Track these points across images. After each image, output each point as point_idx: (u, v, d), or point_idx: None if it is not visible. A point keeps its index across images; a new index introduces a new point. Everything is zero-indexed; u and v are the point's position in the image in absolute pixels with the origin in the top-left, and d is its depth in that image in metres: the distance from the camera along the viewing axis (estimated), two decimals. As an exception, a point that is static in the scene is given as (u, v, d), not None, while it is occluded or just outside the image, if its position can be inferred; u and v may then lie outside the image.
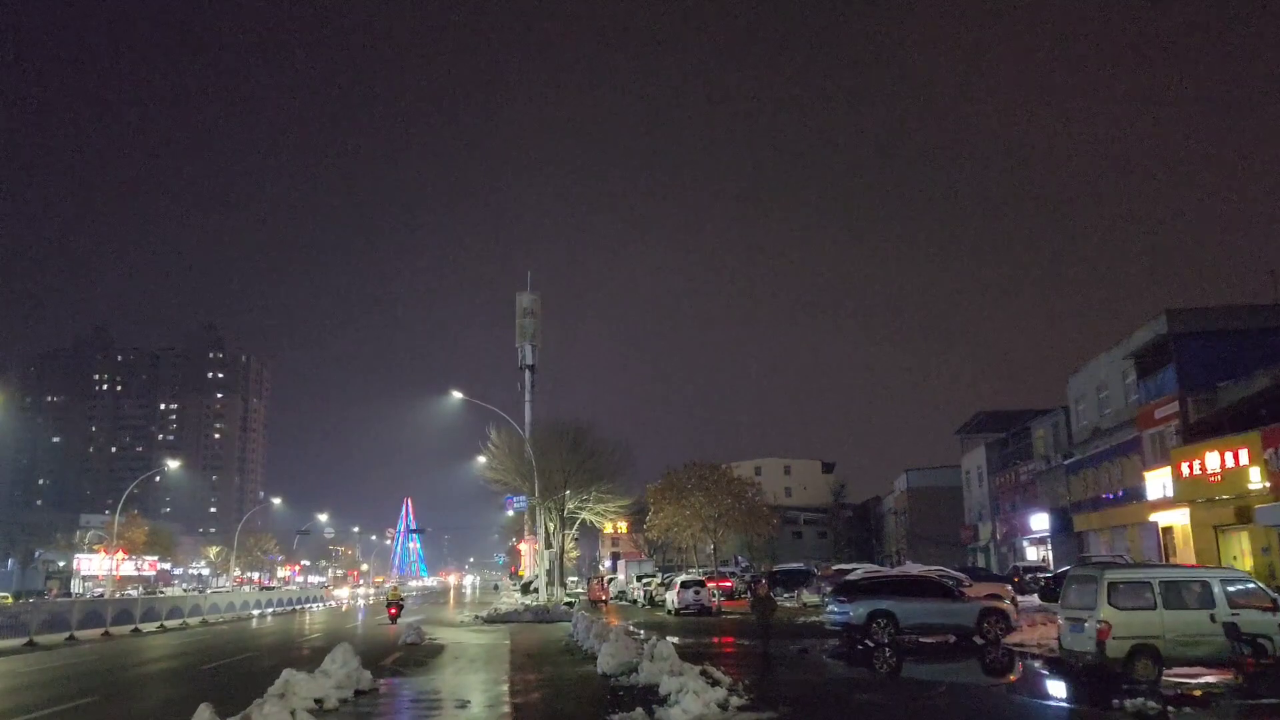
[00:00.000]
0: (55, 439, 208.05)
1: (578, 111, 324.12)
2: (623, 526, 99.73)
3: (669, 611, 38.24)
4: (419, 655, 20.18)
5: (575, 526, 41.71)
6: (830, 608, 21.79)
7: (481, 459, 47.14)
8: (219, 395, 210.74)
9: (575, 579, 66.96)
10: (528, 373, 47.80)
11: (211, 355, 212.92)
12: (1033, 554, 49.68)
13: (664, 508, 48.33)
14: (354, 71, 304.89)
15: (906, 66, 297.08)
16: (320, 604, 59.64)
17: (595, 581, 56.57)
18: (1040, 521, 47.74)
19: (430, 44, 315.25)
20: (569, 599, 39.56)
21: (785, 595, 46.34)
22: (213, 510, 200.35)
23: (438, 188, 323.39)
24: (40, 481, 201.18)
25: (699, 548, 52.12)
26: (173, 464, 72.78)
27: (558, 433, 40.80)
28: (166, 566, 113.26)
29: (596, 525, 42.15)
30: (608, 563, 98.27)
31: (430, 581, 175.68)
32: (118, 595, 47.66)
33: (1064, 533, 45.09)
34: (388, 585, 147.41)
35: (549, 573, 41.51)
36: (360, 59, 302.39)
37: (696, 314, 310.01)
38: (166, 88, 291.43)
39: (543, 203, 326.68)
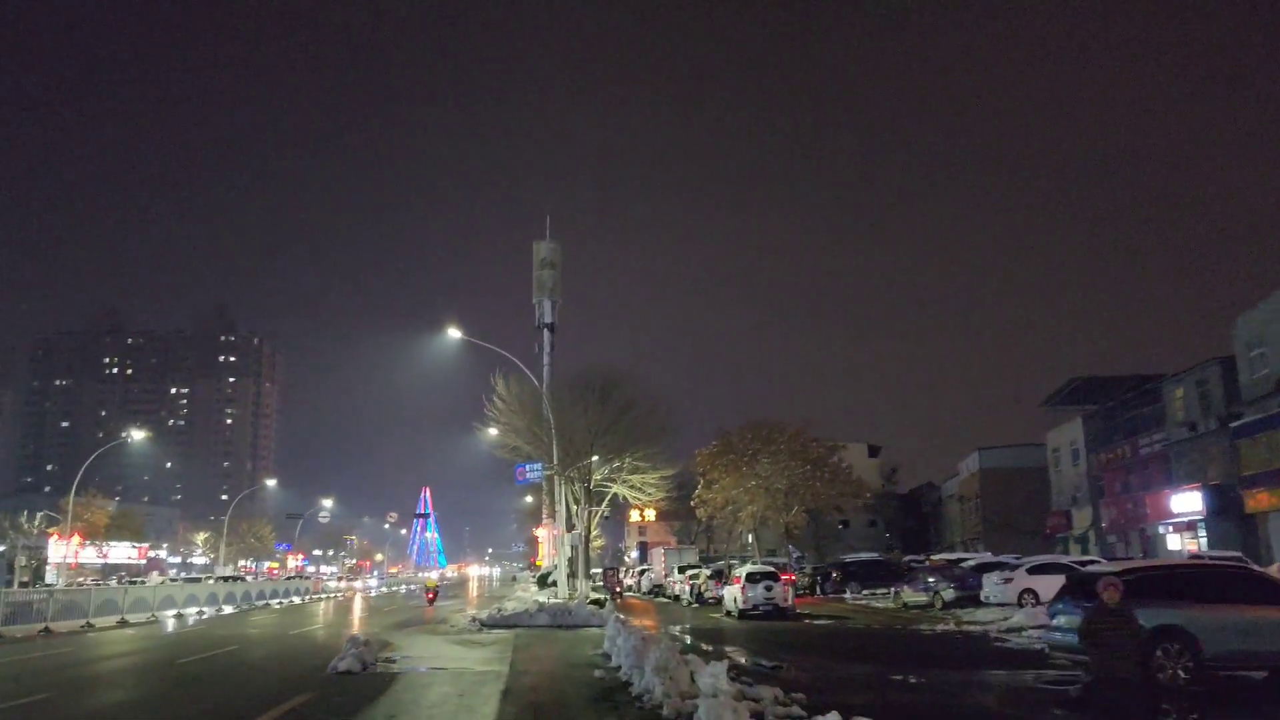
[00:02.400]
0: (64, 423, 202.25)
1: (601, 51, 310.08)
2: (650, 514, 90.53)
3: (729, 613, 29.16)
4: (337, 702, 11.11)
5: (605, 503, 32.47)
6: (1059, 620, 12.48)
7: (493, 431, 37.85)
8: (230, 379, 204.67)
9: (598, 571, 58.15)
10: (546, 332, 39.50)
11: (222, 338, 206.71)
12: (1174, 542, 40.01)
13: (719, 478, 38.72)
14: (360, 34, 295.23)
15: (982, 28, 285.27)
16: (302, 598, 50.50)
17: (610, 571, 48.62)
18: (1187, 503, 38.03)
19: None
20: (597, 595, 30.36)
21: (867, 593, 37.15)
22: (224, 497, 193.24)
23: (451, 146, 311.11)
24: (49, 467, 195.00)
25: (759, 530, 42.37)
26: (138, 434, 64.31)
27: (583, 384, 31.66)
28: (160, 554, 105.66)
29: (631, 502, 32.84)
30: (634, 554, 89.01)
31: (449, 572, 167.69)
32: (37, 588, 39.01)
33: (1225, 515, 35.48)
34: (403, 575, 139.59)
35: (571, 561, 32.46)
36: (366, 14, 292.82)
37: (729, 285, 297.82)
38: (177, 64, 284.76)
39: (564, 156, 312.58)
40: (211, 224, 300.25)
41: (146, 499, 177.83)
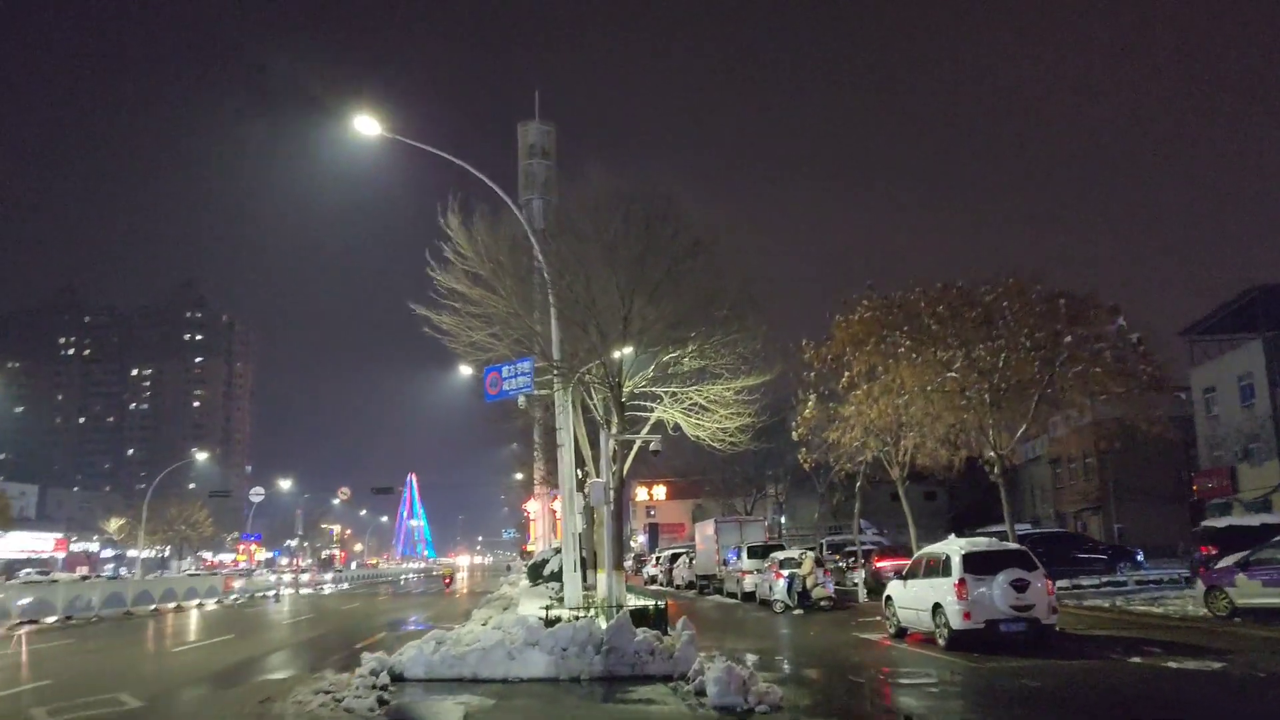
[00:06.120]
0: (18, 409, 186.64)
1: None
2: (660, 491, 75.90)
3: (901, 631, 14.79)
4: None
5: (648, 428, 17.44)
6: None
7: (460, 362, 22.70)
8: (198, 359, 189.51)
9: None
10: (538, 240, 25.57)
11: (190, 315, 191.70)
12: None
13: (863, 377, 20.29)
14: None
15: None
16: (177, 604, 34.27)
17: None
18: None
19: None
20: (643, 601, 15.62)
21: (1066, 584, 22.75)
22: (191, 486, 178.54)
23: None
24: (1, 456, 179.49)
25: (900, 462, 24.91)
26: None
27: (608, 206, 17.05)
28: (92, 547, 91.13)
29: (689, 434, 17.85)
30: (641, 538, 74.11)
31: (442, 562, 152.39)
32: None
33: None
34: (386, 566, 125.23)
35: (582, 537, 18.06)
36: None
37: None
38: (131, 26, 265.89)
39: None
40: (175, 192, 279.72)
41: (109, 489, 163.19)
